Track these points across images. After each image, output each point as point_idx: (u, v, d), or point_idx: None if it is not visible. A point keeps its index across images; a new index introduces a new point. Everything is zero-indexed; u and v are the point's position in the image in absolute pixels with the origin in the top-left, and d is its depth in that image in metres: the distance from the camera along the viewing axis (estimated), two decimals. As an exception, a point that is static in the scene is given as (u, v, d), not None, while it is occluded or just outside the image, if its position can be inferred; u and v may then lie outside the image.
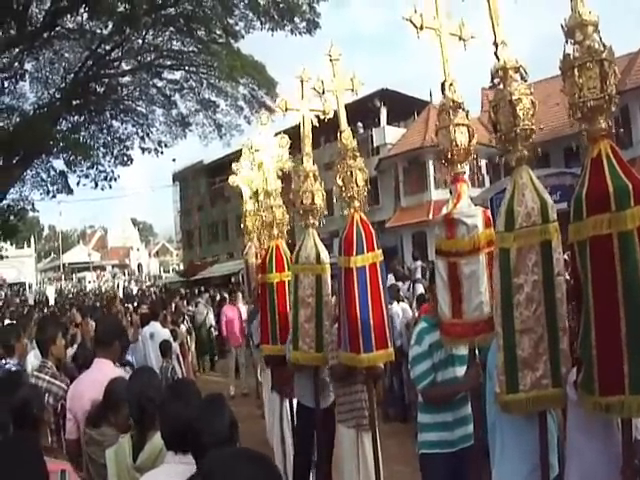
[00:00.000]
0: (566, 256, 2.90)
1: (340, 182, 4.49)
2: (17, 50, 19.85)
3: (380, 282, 4.36)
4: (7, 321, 14.25)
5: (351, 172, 4.44)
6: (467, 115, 3.46)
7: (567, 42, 2.50)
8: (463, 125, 3.38)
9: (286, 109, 5.24)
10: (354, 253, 4.29)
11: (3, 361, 4.88)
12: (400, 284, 10.91)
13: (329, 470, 5.25)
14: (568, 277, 2.96)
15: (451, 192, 3.49)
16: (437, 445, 3.81)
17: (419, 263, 14.14)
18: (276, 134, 6.36)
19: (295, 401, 5.55)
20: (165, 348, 8.11)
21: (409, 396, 8.23)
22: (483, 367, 3.37)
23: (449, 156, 3.39)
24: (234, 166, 7.66)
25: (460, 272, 3.30)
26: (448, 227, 3.35)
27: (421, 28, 3.51)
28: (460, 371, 3.77)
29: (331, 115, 5.19)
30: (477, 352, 3.59)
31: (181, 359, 9.36)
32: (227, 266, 33.29)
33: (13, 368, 4.68)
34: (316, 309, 4.94)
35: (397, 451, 6.38)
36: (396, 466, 5.65)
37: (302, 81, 5.20)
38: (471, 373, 3.55)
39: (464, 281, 3.29)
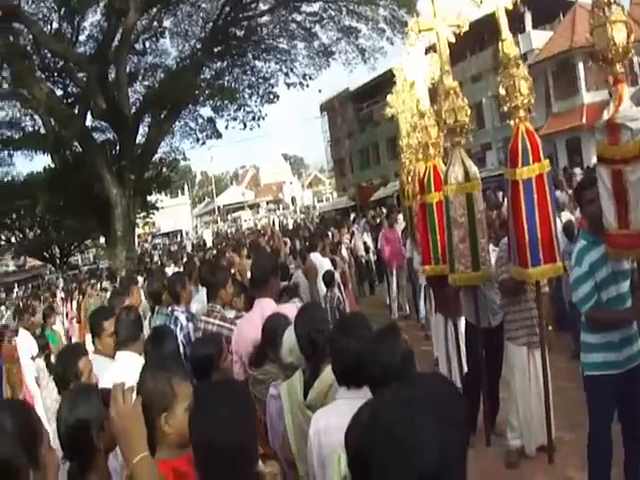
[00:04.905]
0: None
1: (503, 92, 4.34)
2: (155, 10, 20.62)
3: (547, 193, 4.21)
4: (171, 268, 15.16)
5: (514, 81, 4.28)
6: (623, 10, 3.19)
7: None
8: (620, 22, 3.13)
9: (419, 30, 5.14)
10: (519, 165, 4.18)
11: (170, 308, 5.11)
12: (558, 193, 10.27)
13: (496, 387, 5.25)
14: None
15: (610, 95, 3.26)
16: (603, 366, 3.56)
17: (578, 170, 13.28)
18: (426, 52, 6.11)
19: (463, 320, 5.55)
20: (329, 278, 8.09)
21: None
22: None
23: (607, 56, 3.16)
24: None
25: (625, 180, 3.13)
26: (611, 132, 3.16)
27: None
28: (624, 287, 3.56)
29: (467, 28, 5.04)
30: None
31: (342, 287, 9.53)
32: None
33: (182, 315, 4.89)
34: (469, 228, 4.89)
35: (565, 367, 6.18)
36: (563, 382, 5.47)
37: None
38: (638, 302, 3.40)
39: (630, 189, 3.12)
